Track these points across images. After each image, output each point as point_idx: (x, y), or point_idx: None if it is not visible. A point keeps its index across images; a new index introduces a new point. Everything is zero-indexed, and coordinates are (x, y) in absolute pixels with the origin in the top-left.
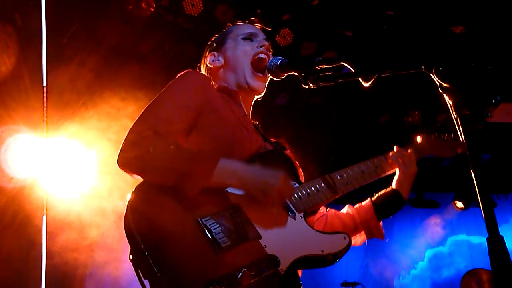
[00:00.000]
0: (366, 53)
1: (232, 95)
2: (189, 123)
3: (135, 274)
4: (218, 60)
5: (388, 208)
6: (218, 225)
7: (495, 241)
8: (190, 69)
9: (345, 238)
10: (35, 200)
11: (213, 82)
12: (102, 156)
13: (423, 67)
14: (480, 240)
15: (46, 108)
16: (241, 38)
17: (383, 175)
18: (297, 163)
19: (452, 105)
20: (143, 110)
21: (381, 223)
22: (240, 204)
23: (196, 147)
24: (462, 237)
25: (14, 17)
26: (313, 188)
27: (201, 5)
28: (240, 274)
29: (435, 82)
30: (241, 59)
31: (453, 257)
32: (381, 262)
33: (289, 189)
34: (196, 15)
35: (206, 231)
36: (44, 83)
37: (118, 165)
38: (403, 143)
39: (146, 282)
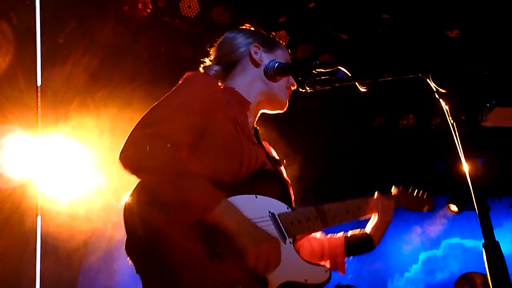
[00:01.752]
0: (362, 56)
1: (241, 104)
2: (197, 131)
3: (128, 273)
4: (261, 57)
5: (357, 250)
6: (215, 236)
7: (491, 247)
8: (199, 71)
9: (326, 271)
10: (29, 200)
11: (225, 74)
12: (96, 156)
13: (419, 72)
14: (474, 243)
15: (40, 108)
16: (281, 59)
17: (362, 217)
18: (289, 181)
19: (448, 110)
20: (149, 109)
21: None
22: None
23: (205, 157)
24: (456, 240)
25: (10, 16)
26: (304, 217)
27: (197, 6)
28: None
29: (431, 87)
30: (281, 81)
31: (447, 261)
32: (375, 264)
33: (277, 260)
34: (192, 16)
35: (206, 239)
36: (39, 83)
37: (121, 164)
38: (397, 146)
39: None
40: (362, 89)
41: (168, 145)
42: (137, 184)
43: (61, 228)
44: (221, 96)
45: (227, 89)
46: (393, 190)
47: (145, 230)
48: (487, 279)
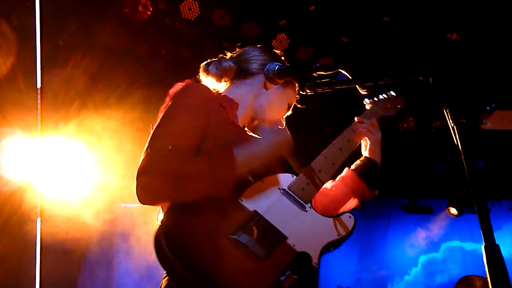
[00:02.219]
0: (362, 59)
1: (231, 105)
2: (199, 141)
3: (127, 274)
4: (272, 86)
5: (369, 175)
6: (249, 238)
7: (492, 250)
8: (189, 81)
9: (350, 217)
10: (29, 202)
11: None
12: (96, 158)
13: (420, 75)
14: (474, 246)
15: (41, 110)
16: (288, 104)
17: (355, 148)
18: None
19: (448, 113)
20: (151, 135)
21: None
22: (257, 209)
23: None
24: (455, 243)
25: (10, 18)
26: (309, 177)
27: (198, 9)
28: (284, 277)
29: (432, 90)
30: (274, 114)
31: (446, 264)
32: (375, 267)
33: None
34: (193, 19)
35: (242, 246)
36: (39, 85)
37: (140, 200)
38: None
39: None
40: (363, 92)
41: (188, 162)
42: (161, 219)
43: (61, 231)
44: (215, 100)
45: (220, 96)
46: (366, 104)
47: (188, 269)
48: (487, 282)
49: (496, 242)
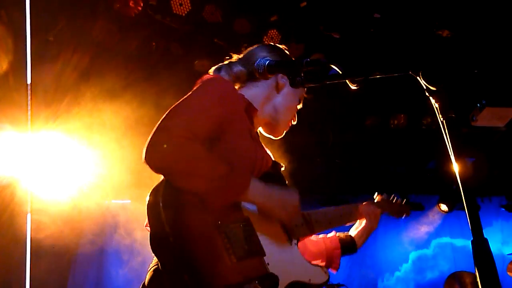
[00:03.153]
0: (353, 55)
1: (248, 111)
2: (215, 132)
3: (117, 271)
4: (283, 88)
5: (345, 252)
6: (234, 234)
7: (480, 243)
8: (218, 75)
9: (325, 272)
10: (19, 199)
11: (241, 81)
12: (87, 154)
13: (410, 70)
14: (464, 243)
15: (31, 106)
16: (299, 99)
17: (351, 222)
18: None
19: (438, 108)
20: (169, 109)
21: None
22: (250, 218)
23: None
24: (446, 239)
25: (0, 13)
26: (305, 221)
27: (189, 4)
28: (248, 286)
29: (421, 85)
30: (287, 116)
31: (437, 260)
32: (365, 263)
33: (299, 211)
34: (184, 14)
35: (225, 237)
36: (29, 81)
37: (146, 162)
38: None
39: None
40: (353, 87)
41: (208, 158)
42: (161, 181)
43: (51, 227)
44: (238, 100)
45: (245, 100)
46: (377, 197)
47: (172, 227)
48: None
49: (486, 237)
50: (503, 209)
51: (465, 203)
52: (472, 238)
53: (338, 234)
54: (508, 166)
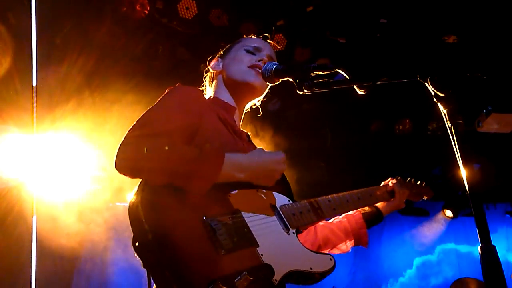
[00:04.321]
0: (359, 60)
1: (227, 110)
2: (190, 130)
3: (121, 273)
4: (219, 66)
5: (370, 223)
6: (221, 227)
7: (488, 250)
8: (179, 84)
9: (330, 259)
10: (24, 200)
11: (208, 91)
12: (92, 156)
13: (418, 76)
14: (468, 249)
15: (36, 108)
16: (245, 49)
17: (373, 203)
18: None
19: (446, 114)
20: (135, 121)
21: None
22: (240, 209)
23: None
24: (450, 245)
25: (7, 16)
26: (306, 209)
27: (195, 8)
28: (239, 278)
29: (429, 91)
30: (236, 66)
31: (441, 266)
32: (370, 269)
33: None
34: (190, 18)
35: (210, 231)
36: (34, 83)
37: (117, 168)
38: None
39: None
40: (360, 92)
41: (176, 147)
42: (140, 182)
43: (56, 228)
44: (207, 102)
45: (211, 99)
46: (393, 180)
47: (150, 225)
48: (481, 285)
49: (494, 245)
50: (508, 216)
51: (473, 210)
52: (477, 246)
53: (363, 209)
54: None
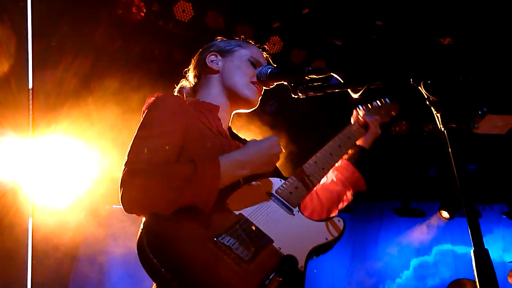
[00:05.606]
0: (355, 62)
1: (211, 110)
2: (178, 148)
3: (118, 275)
4: (218, 64)
5: (360, 162)
6: (234, 240)
7: (481, 255)
8: (158, 94)
9: (339, 220)
10: (21, 203)
11: (193, 85)
12: (88, 159)
13: (411, 80)
14: (465, 250)
15: (32, 111)
16: (248, 59)
17: (354, 142)
18: None
19: (439, 118)
20: (129, 147)
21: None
22: (242, 213)
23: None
24: (447, 246)
25: (2, 18)
26: (299, 181)
27: (191, 11)
28: (268, 280)
29: (423, 94)
30: (240, 78)
31: (438, 267)
32: (366, 270)
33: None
34: (186, 20)
35: (226, 249)
36: (30, 86)
37: (125, 209)
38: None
39: None
40: (355, 96)
41: (170, 171)
42: (141, 228)
43: (53, 231)
44: (189, 108)
45: (192, 102)
46: (359, 110)
47: (168, 269)
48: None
49: (486, 246)
50: (505, 217)
51: (467, 214)
52: (472, 248)
53: (345, 157)
54: (509, 174)
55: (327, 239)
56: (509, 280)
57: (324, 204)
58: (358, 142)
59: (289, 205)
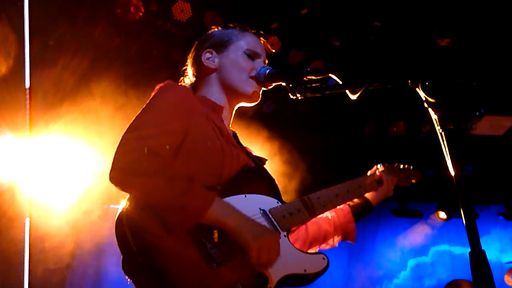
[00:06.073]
0: (353, 63)
1: (215, 110)
2: (177, 140)
3: (115, 276)
4: (214, 61)
5: (359, 216)
6: (210, 239)
7: (477, 256)
8: (170, 81)
9: (323, 258)
10: (18, 203)
11: (194, 84)
12: (86, 158)
13: (409, 81)
14: (462, 250)
15: (30, 110)
16: (244, 52)
17: (363, 194)
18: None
19: (437, 119)
20: (128, 126)
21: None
22: None
23: (188, 162)
24: (444, 247)
25: (0, 16)
26: (295, 209)
27: (190, 11)
28: None
29: (421, 96)
30: (236, 73)
31: (435, 267)
32: (364, 271)
33: (277, 252)
34: (185, 20)
35: (200, 245)
36: (27, 85)
37: (111, 180)
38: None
39: None
40: (353, 97)
41: (168, 173)
42: (127, 201)
43: (50, 231)
44: (196, 102)
45: (199, 98)
46: (379, 168)
47: (138, 246)
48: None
49: (483, 247)
50: (502, 217)
51: (464, 215)
52: (470, 249)
53: (351, 202)
54: (506, 175)
55: (305, 271)
56: (506, 280)
57: (308, 236)
58: (367, 195)
59: (278, 228)
